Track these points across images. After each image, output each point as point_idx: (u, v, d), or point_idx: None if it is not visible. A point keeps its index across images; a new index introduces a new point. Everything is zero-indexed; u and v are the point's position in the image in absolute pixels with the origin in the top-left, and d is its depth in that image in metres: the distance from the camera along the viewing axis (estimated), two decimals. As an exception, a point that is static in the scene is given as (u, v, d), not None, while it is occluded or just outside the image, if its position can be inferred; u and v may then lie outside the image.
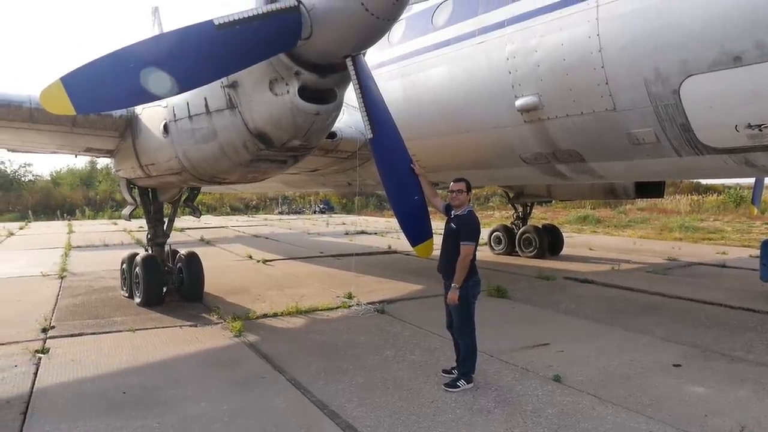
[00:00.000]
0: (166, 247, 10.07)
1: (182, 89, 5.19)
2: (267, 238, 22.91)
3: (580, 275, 12.05)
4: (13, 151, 11.59)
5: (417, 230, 5.89)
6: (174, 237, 10.76)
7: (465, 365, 5.41)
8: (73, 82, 4.50)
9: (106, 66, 4.68)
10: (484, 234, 16.81)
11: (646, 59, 6.58)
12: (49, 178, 53.04)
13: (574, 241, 19.99)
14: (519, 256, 15.76)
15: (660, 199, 19.42)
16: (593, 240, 20.82)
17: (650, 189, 13.78)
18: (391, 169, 5.73)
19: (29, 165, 52.55)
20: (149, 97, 5.13)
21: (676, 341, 6.87)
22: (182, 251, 9.97)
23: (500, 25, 7.98)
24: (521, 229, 16.13)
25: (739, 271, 12.81)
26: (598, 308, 8.82)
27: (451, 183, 5.52)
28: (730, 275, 12.32)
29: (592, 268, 13.24)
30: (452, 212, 5.49)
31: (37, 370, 5.98)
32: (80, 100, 4.55)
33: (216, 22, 4.82)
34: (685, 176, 13.12)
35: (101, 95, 4.78)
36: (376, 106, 5.54)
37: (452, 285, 5.29)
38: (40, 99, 4.57)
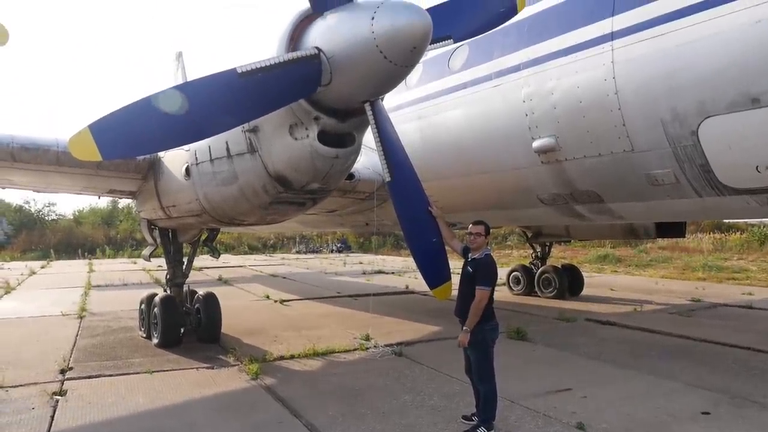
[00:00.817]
0: (185, 288, 10.14)
1: (206, 135, 5.31)
2: (284, 277, 22.92)
3: (601, 317, 11.82)
4: (38, 191, 11.91)
5: (435, 273, 5.87)
6: (192, 276, 10.83)
7: (485, 412, 5.28)
8: (100, 130, 4.63)
9: (132, 114, 4.82)
10: (503, 274, 16.64)
11: (663, 101, 6.60)
12: (72, 217, 54.09)
13: (595, 281, 19.68)
14: (538, 296, 15.53)
15: (681, 238, 19.13)
16: (614, 280, 20.49)
17: (671, 229, 13.58)
18: (409, 212, 5.76)
19: (53, 204, 53.74)
20: (173, 144, 5.27)
21: (704, 387, 6.65)
22: (200, 291, 10.01)
23: (516, 68, 8.09)
24: (540, 269, 15.95)
25: (766, 313, 12.46)
26: (621, 351, 8.60)
27: (470, 225, 5.51)
28: (757, 317, 11.99)
29: (614, 310, 12.98)
30: (470, 255, 5.46)
31: (54, 413, 5.97)
32: (107, 146, 4.67)
33: (239, 71, 4.96)
34: (707, 217, 12.97)
35: (127, 142, 4.90)
36: (394, 149, 5.61)
37: (464, 328, 5.23)
38: (68, 146, 4.70)
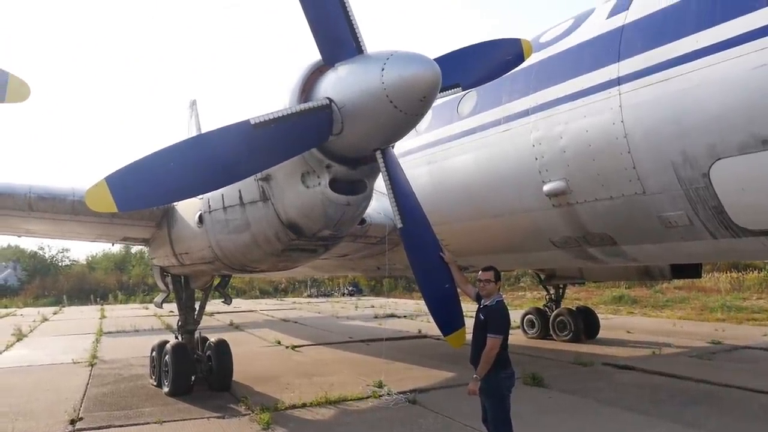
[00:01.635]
0: (196, 334, 10.09)
1: (220, 186, 5.38)
2: (296, 322, 22.76)
3: (619, 361, 11.55)
4: (53, 239, 12.03)
5: (448, 319, 5.82)
6: (204, 321, 10.79)
7: (502, 463, 5.12)
8: (116, 182, 4.71)
9: (147, 166, 4.91)
10: (517, 316, 16.41)
11: (673, 144, 6.62)
12: (85, 263, 54.55)
13: (611, 323, 19.33)
14: (554, 339, 15.24)
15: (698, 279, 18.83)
16: (630, 322, 20.11)
17: (687, 269, 13.39)
18: (420, 258, 5.76)
19: (67, 250, 54.35)
20: (188, 195, 5.34)
21: (730, 436, 6.43)
22: (212, 338, 9.95)
23: (524, 113, 8.20)
24: (555, 312, 15.71)
25: (789, 356, 12.14)
26: (641, 397, 8.37)
27: (480, 272, 5.48)
28: (780, 360, 11.67)
29: (632, 353, 12.70)
30: (482, 301, 5.41)
31: (64, 466, 5.87)
32: (122, 198, 4.73)
33: (252, 122, 5.06)
34: (722, 258, 12.80)
35: (142, 194, 4.95)
36: (406, 196, 5.65)
37: (474, 376, 5.13)
38: (85, 198, 4.76)
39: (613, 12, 7.62)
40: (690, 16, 6.53)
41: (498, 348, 5.07)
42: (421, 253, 5.74)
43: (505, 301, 5.38)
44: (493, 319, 5.14)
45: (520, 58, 6.80)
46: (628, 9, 7.37)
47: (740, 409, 7.62)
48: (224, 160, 5.06)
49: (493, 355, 5.05)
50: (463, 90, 6.48)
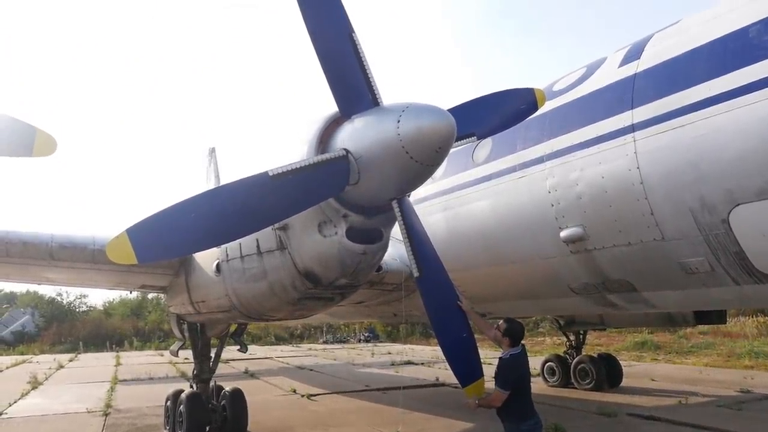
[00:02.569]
0: (211, 383, 10.00)
1: (239, 236, 5.45)
2: (311, 369, 22.47)
3: (644, 411, 11.18)
4: (72, 287, 12.16)
5: (467, 369, 5.70)
6: (219, 368, 10.70)
7: None
8: (137, 234, 4.78)
9: (168, 218, 4.98)
10: (537, 363, 16.08)
11: (690, 190, 6.59)
12: (102, 308, 54.71)
13: (634, 370, 18.79)
14: (575, 388, 14.84)
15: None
16: (654, 369, 19.54)
17: (711, 315, 13.05)
18: (438, 307, 5.70)
19: (85, 296, 54.69)
20: (207, 246, 5.41)
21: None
22: (227, 387, 9.86)
23: (540, 160, 8.24)
24: (576, 359, 15.35)
25: (823, 406, 11.66)
26: (669, 451, 8.06)
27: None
28: (814, 410, 11.21)
29: (657, 402, 12.29)
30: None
31: None
32: (142, 250, 4.79)
33: (271, 173, 5.14)
34: (747, 305, 12.51)
35: (162, 245, 5.01)
36: (422, 244, 5.65)
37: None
38: (106, 250, 4.82)
39: (625, 61, 7.73)
40: (701, 65, 6.61)
41: (499, 402, 5.13)
42: (437, 302, 5.69)
43: (517, 354, 5.33)
44: (497, 373, 5.24)
45: (534, 107, 6.90)
46: (639, 58, 7.48)
47: (774, 464, 7.30)
48: (243, 211, 5.13)
49: (494, 405, 5.21)
50: (479, 139, 6.55)
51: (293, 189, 5.22)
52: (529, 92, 6.97)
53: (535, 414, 5.16)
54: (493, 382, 5.38)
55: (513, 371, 5.25)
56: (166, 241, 4.97)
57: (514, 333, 5.42)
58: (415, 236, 5.60)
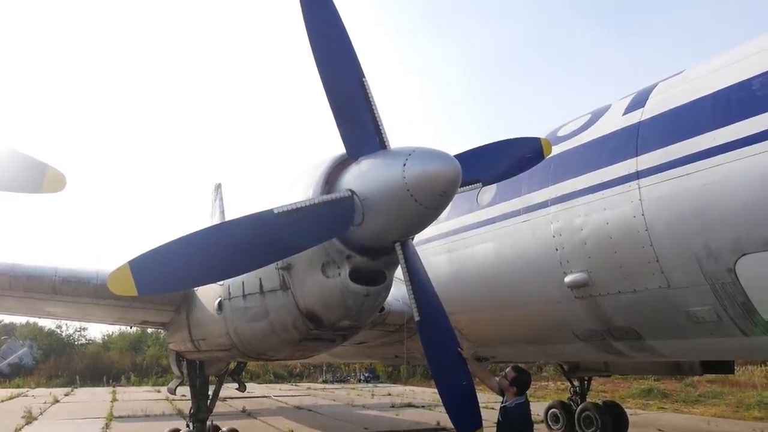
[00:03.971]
0: (208, 422, 9.82)
1: (240, 273, 5.44)
2: (310, 410, 22.05)
3: (651, 463, 10.86)
4: (72, 321, 12.08)
5: (465, 418, 5.56)
6: (216, 407, 10.50)
7: None
8: (138, 266, 4.78)
9: (170, 252, 4.98)
10: (540, 409, 15.74)
11: (696, 238, 6.57)
12: (101, 342, 54.18)
13: (640, 419, 18.35)
14: (580, 437, 14.46)
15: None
16: (661, 419, 19.05)
17: (718, 365, 12.79)
18: (437, 352, 5.63)
19: (84, 329, 54.22)
20: (208, 281, 5.39)
21: None
22: (224, 429, 9.68)
23: (544, 204, 8.26)
24: (580, 407, 14.99)
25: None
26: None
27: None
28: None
29: (664, 455, 11.95)
30: (504, 399, 5.26)
31: None
32: (144, 282, 4.79)
33: (276, 211, 5.17)
34: (755, 356, 12.28)
35: (163, 278, 5.02)
36: (424, 289, 5.62)
37: None
38: (108, 281, 4.82)
39: (629, 109, 7.83)
40: (706, 114, 6.68)
41: None
42: (437, 347, 5.61)
43: (523, 403, 5.22)
44: (512, 426, 5.05)
45: (540, 156, 6.96)
46: (644, 106, 7.58)
47: None
48: (246, 248, 5.13)
49: None
50: (484, 186, 6.58)
51: (298, 227, 5.23)
52: (536, 142, 7.06)
53: None
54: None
55: (530, 420, 5.15)
56: (168, 274, 4.96)
57: (522, 383, 5.35)
58: (417, 280, 5.58)
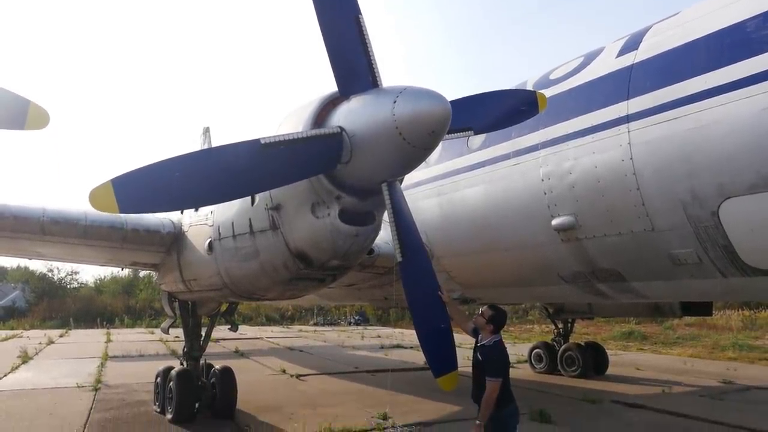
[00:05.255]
0: (201, 361, 10.05)
1: (223, 199, 5.39)
2: (301, 350, 22.61)
3: (628, 398, 11.35)
4: (63, 262, 12.13)
5: (441, 360, 5.60)
6: (209, 348, 10.75)
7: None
8: (121, 185, 4.69)
9: (154, 172, 4.89)
10: (524, 350, 16.23)
11: (682, 182, 6.64)
12: (93, 286, 54.65)
13: (620, 359, 19.04)
14: (561, 375, 15.03)
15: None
16: (640, 359, 19.79)
17: (697, 307, 13.21)
18: (417, 294, 5.64)
19: (76, 273, 54.52)
20: (191, 205, 5.36)
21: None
22: (217, 366, 9.91)
23: (534, 148, 8.27)
24: (563, 347, 15.52)
25: (803, 398, 11.88)
26: (651, 438, 8.21)
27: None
28: (794, 402, 11.42)
29: (641, 391, 12.48)
30: (479, 338, 5.36)
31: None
32: (125, 201, 4.70)
33: (263, 141, 5.12)
34: (733, 297, 12.65)
35: (145, 198, 4.92)
36: (408, 231, 5.60)
37: (476, 422, 5.03)
38: (89, 197, 4.68)
39: (622, 51, 7.74)
40: (698, 57, 6.62)
41: (498, 391, 5.00)
42: (418, 289, 5.63)
43: (500, 340, 5.30)
44: (491, 361, 5.08)
45: (535, 110, 6.87)
46: (637, 49, 7.49)
47: (753, 453, 7.45)
48: (231, 175, 5.09)
49: (493, 398, 4.96)
50: (475, 134, 6.52)
51: (283, 160, 5.20)
52: (531, 94, 6.97)
53: (513, 400, 5.19)
54: (469, 371, 5.35)
55: (506, 356, 5.25)
56: (150, 195, 4.88)
57: (498, 321, 5.37)
58: (402, 221, 5.57)
